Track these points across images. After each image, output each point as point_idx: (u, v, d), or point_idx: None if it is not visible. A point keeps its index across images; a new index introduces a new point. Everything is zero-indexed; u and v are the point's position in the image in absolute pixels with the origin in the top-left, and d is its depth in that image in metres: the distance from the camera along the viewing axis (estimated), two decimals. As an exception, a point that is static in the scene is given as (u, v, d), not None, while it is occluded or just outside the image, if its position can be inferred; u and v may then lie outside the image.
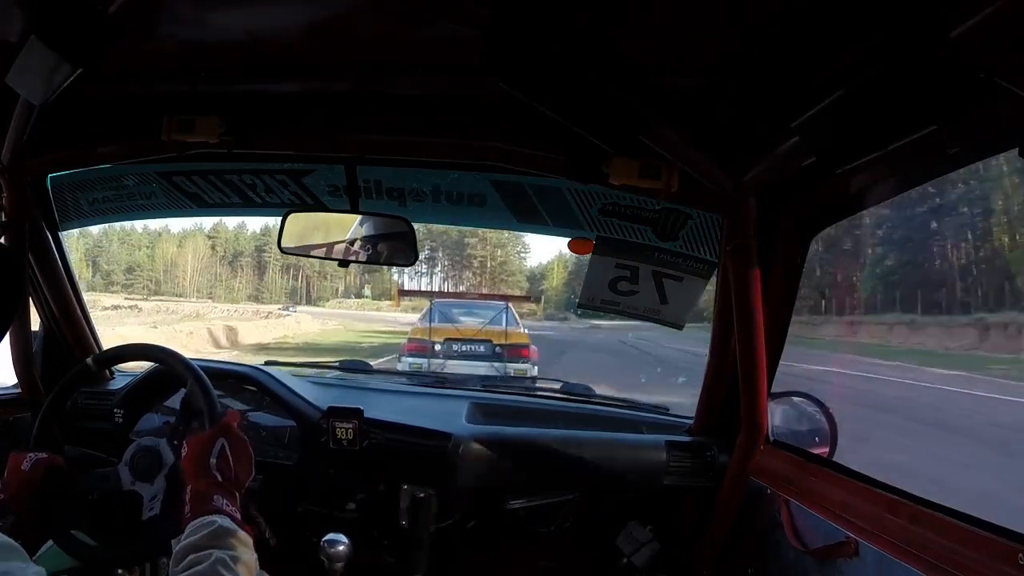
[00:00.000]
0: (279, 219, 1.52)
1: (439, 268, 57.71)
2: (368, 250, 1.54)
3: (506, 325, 8.22)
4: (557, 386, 1.89)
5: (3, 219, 1.41)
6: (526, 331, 8.83)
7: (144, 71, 1.18)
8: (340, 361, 2.08)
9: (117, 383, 1.68)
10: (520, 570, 1.64)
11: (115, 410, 1.30)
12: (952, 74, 0.66)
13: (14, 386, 1.56)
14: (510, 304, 9.13)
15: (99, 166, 1.54)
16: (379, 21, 0.96)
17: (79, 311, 1.67)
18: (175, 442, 1.15)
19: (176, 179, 1.64)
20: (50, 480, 1.03)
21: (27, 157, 1.32)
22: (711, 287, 1.50)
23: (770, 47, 0.86)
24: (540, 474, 1.48)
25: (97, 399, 1.55)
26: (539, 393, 1.92)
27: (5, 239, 1.41)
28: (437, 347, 7.88)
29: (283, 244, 1.54)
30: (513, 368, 7.65)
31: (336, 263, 1.57)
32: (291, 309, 37.27)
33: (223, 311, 30.84)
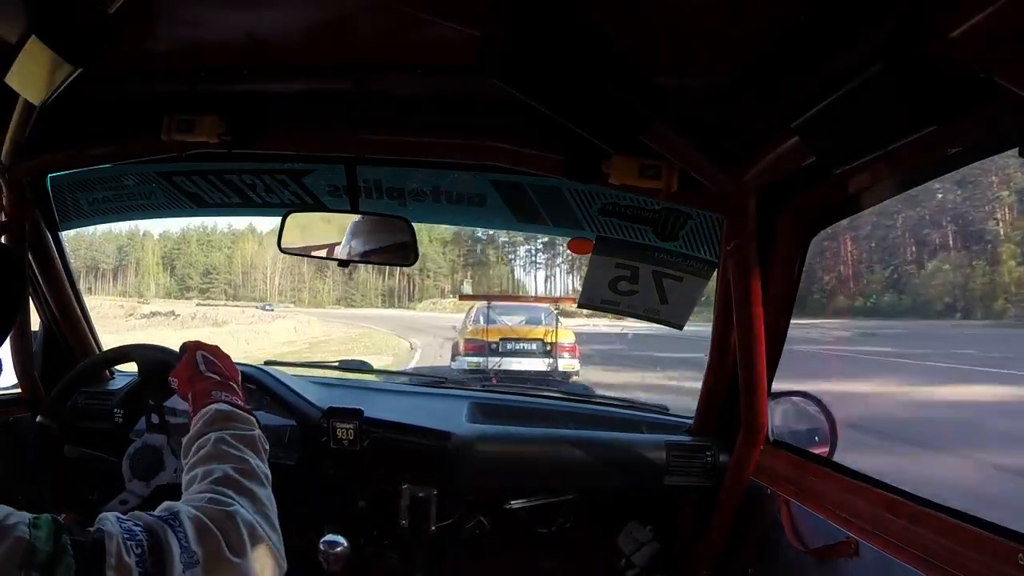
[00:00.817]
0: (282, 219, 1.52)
1: (560, 258, 52.35)
2: (368, 250, 1.54)
3: (555, 325, 8.97)
4: (557, 386, 1.90)
5: (3, 219, 1.41)
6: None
7: (144, 71, 1.19)
8: (340, 361, 2.08)
9: (117, 383, 1.68)
10: (520, 570, 1.64)
11: (115, 410, 1.31)
12: (952, 74, 0.66)
13: (14, 386, 1.57)
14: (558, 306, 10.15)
15: (99, 166, 1.54)
16: (379, 21, 0.96)
17: (79, 311, 1.67)
18: (154, 421, 1.19)
19: (176, 179, 1.64)
20: None
21: (27, 157, 1.32)
22: (711, 287, 1.50)
23: (770, 47, 0.86)
24: (540, 474, 1.48)
25: (97, 399, 1.55)
26: (539, 393, 1.92)
27: (5, 239, 1.41)
28: (494, 345, 8.62)
29: (283, 244, 1.54)
30: (562, 364, 8.46)
31: (338, 263, 1.57)
32: (269, 308, 37.16)
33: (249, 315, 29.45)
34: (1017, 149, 0.71)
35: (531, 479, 1.50)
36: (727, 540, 1.41)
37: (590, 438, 1.52)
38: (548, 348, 8.68)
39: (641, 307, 1.56)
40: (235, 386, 0.95)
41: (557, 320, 9.25)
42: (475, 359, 8.57)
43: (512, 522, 1.56)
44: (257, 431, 0.86)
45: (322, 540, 1.39)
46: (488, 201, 1.58)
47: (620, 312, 1.59)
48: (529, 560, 1.63)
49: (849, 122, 0.80)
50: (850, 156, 0.84)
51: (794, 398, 1.46)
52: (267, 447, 0.86)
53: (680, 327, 1.57)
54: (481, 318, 9.37)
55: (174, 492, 1.12)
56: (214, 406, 0.87)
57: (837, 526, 1.09)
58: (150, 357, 1.19)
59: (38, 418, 1.26)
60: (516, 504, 1.54)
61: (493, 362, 8.42)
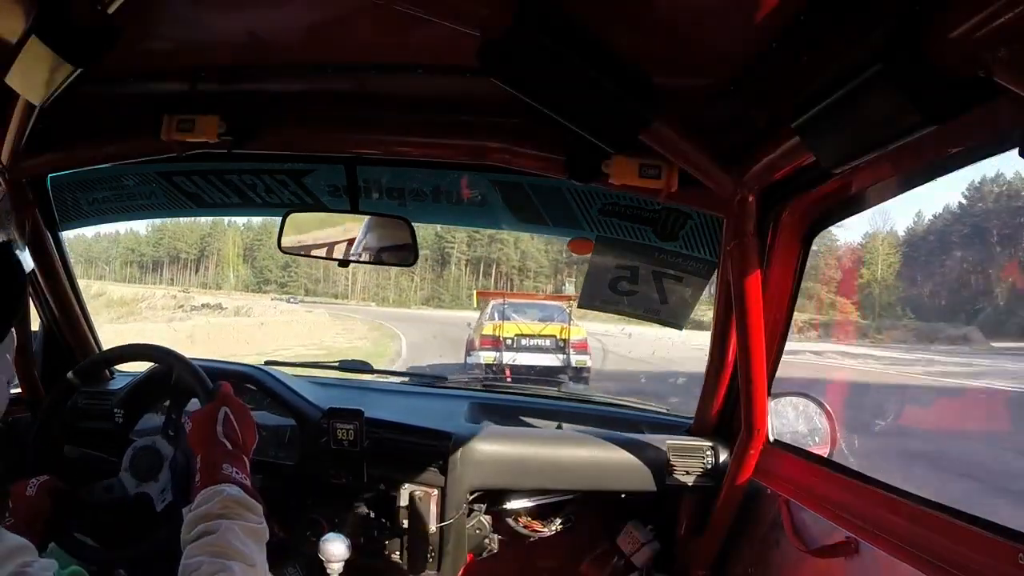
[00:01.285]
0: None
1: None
2: (368, 250, 1.54)
3: (568, 322, 9.34)
4: (557, 386, 1.89)
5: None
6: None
7: (144, 71, 1.19)
8: (340, 361, 2.08)
9: (117, 383, 1.69)
10: (520, 570, 1.64)
11: (115, 410, 1.31)
12: (952, 74, 0.66)
13: (14, 386, 1.57)
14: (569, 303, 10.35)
15: (99, 166, 1.54)
16: (379, 21, 0.96)
17: (79, 311, 1.67)
18: (170, 432, 1.18)
19: (176, 179, 1.64)
20: (56, 502, 1.04)
21: (27, 157, 1.32)
22: (711, 287, 1.50)
23: (770, 47, 0.86)
24: (540, 474, 1.49)
25: (97, 399, 1.55)
26: (539, 393, 1.92)
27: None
28: (509, 341, 8.99)
29: (283, 244, 1.54)
30: (575, 359, 8.83)
31: (338, 263, 1.57)
32: (294, 300, 37.59)
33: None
34: (1017, 149, 0.71)
35: (531, 479, 1.50)
36: (727, 540, 1.41)
37: (590, 438, 1.52)
38: (561, 344, 9.03)
39: (641, 307, 1.57)
40: (245, 459, 0.93)
41: (570, 317, 9.51)
42: (491, 354, 8.88)
43: (512, 522, 1.56)
44: (263, 524, 0.85)
45: (322, 540, 1.39)
46: (488, 201, 1.58)
47: (620, 312, 1.59)
48: (529, 560, 1.63)
49: (849, 122, 0.79)
50: (850, 156, 0.83)
51: (794, 398, 1.46)
52: (267, 536, 0.85)
53: (680, 327, 1.57)
54: (496, 315, 9.62)
55: (149, 508, 1.11)
56: (225, 488, 0.85)
57: (837, 526, 1.09)
58: (186, 380, 1.17)
59: (68, 374, 1.23)
60: (516, 504, 1.54)
61: (508, 357, 8.73)
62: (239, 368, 1.66)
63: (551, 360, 8.93)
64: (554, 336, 9.19)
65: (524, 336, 9.16)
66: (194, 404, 1.14)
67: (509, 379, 5.92)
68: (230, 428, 0.95)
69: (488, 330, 9.34)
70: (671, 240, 1.48)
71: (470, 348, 9.63)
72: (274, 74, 1.19)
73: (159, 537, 1.06)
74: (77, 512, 1.09)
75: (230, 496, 0.83)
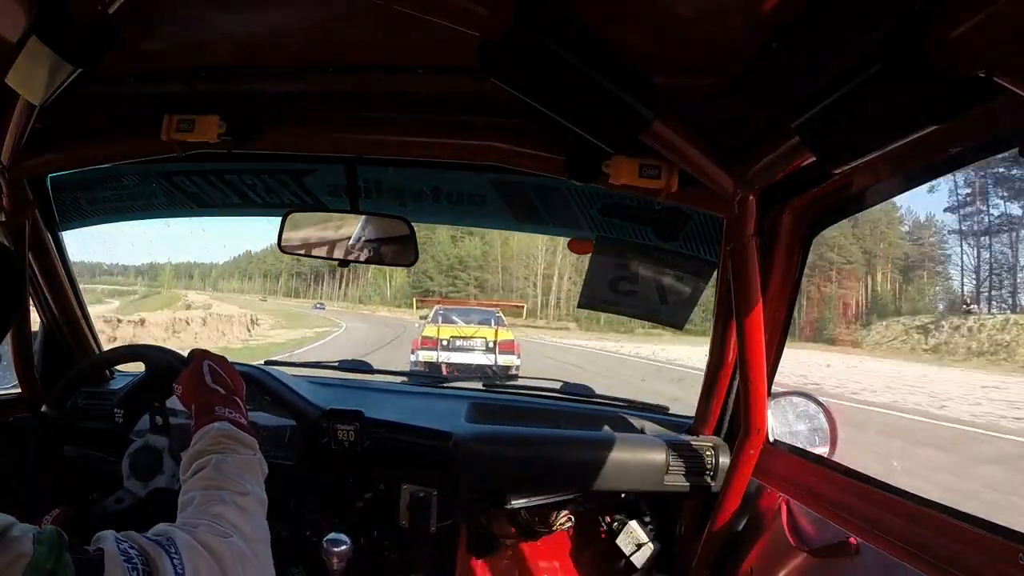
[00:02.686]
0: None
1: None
2: (368, 250, 1.54)
3: (496, 326, 10.74)
4: (557, 386, 1.89)
5: (3, 219, 1.41)
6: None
7: (144, 71, 1.19)
8: (340, 361, 2.08)
9: (117, 383, 1.69)
10: (520, 570, 1.64)
11: (115, 410, 1.31)
12: (952, 74, 0.66)
13: (14, 386, 1.57)
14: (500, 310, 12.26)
15: (99, 166, 1.54)
16: (379, 21, 0.96)
17: (79, 311, 1.67)
18: (158, 422, 1.19)
19: (176, 179, 1.64)
20: (74, 531, 1.05)
21: (27, 157, 1.32)
22: (711, 287, 1.50)
23: (770, 47, 0.86)
24: (540, 474, 1.49)
25: (97, 399, 1.55)
26: (539, 393, 1.92)
27: (5, 239, 1.41)
28: (445, 342, 10.15)
29: (283, 244, 1.54)
30: (503, 359, 10.26)
31: (338, 263, 1.57)
32: (320, 307, 38.24)
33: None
34: (1017, 149, 0.71)
35: (531, 479, 1.50)
36: (727, 540, 1.41)
37: (590, 438, 1.52)
38: (491, 345, 10.23)
39: (641, 307, 1.57)
40: (239, 400, 0.94)
41: (500, 321, 11.02)
42: (429, 353, 10.02)
43: (512, 522, 1.56)
44: (258, 455, 0.86)
45: (325, 539, 1.39)
46: (488, 201, 1.58)
47: (620, 312, 1.59)
48: (529, 560, 1.63)
49: (849, 122, 0.79)
50: (850, 156, 0.84)
51: (794, 398, 1.46)
52: (266, 470, 0.86)
53: (680, 327, 1.57)
54: (440, 318, 11.00)
55: (169, 497, 1.13)
56: (216, 425, 0.86)
57: (837, 526, 1.09)
58: (159, 359, 1.19)
59: (43, 408, 1.26)
60: (516, 504, 1.54)
61: (444, 355, 9.94)
62: (238, 368, 1.66)
63: (481, 359, 10.05)
64: (485, 338, 10.33)
65: (459, 338, 10.30)
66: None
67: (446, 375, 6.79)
68: (218, 376, 0.97)
69: (429, 332, 10.50)
70: (671, 240, 1.48)
71: (414, 348, 10.69)
72: (274, 74, 1.19)
73: None
74: (89, 533, 1.10)
75: (221, 431, 0.85)
